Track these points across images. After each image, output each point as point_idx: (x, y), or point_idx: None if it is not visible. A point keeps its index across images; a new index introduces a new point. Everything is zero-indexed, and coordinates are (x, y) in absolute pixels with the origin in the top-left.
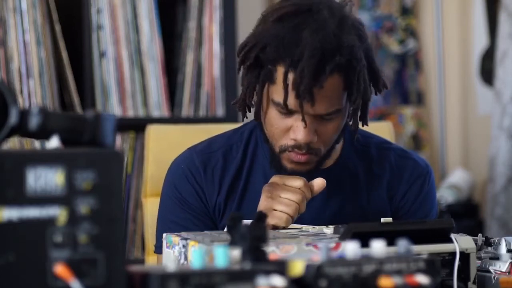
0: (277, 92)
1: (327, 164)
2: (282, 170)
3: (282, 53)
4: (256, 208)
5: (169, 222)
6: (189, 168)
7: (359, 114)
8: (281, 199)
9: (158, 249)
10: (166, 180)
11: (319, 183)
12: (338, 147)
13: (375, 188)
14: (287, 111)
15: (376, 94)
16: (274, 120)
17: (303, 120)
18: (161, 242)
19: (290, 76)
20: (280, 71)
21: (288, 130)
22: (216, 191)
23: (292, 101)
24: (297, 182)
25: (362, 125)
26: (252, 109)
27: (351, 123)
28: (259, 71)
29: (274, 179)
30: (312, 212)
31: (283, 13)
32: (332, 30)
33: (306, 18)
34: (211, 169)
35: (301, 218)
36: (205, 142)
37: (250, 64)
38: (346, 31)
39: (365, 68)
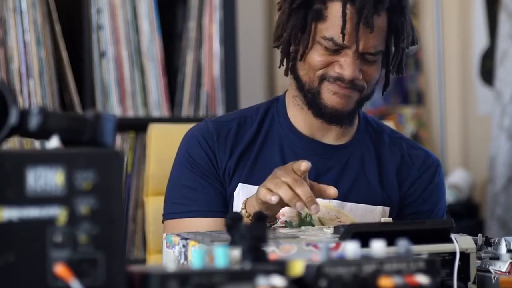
0: (328, 29)
1: (339, 141)
2: (320, 110)
3: None
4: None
5: (180, 186)
6: (202, 134)
7: (399, 59)
8: (274, 178)
9: (168, 216)
10: (180, 146)
11: (331, 192)
12: (354, 126)
13: (385, 169)
14: (336, 48)
15: (408, 48)
16: (318, 56)
17: (357, 51)
18: (170, 208)
19: (349, 7)
20: (333, 6)
21: (332, 63)
22: (228, 156)
23: (348, 33)
24: (301, 166)
25: (398, 75)
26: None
27: (385, 76)
28: (305, 11)
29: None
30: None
31: None
32: None
33: None
34: (224, 135)
35: (314, 194)
36: (221, 115)
37: (298, 4)
38: None
39: (409, 11)
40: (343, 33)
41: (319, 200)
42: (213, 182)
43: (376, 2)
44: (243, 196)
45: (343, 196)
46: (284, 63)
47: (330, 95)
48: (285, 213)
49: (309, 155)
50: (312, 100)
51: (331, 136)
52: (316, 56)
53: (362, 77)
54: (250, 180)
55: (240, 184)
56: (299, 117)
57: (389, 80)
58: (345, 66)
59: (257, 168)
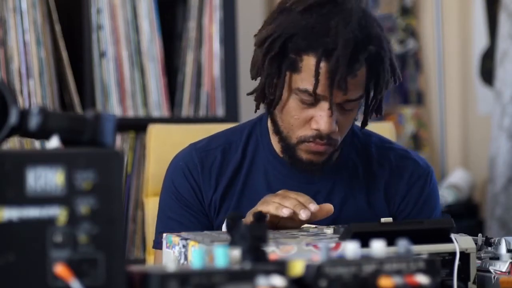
0: (303, 80)
1: (323, 171)
2: (296, 162)
3: (314, 43)
4: (255, 205)
5: (166, 218)
6: (187, 165)
7: (376, 104)
8: (273, 202)
9: (156, 245)
10: (166, 175)
11: (328, 208)
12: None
13: (373, 188)
14: (311, 100)
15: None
16: (294, 111)
17: (330, 108)
18: (159, 238)
19: (323, 65)
20: (308, 60)
21: (309, 121)
22: (213, 189)
23: (322, 89)
24: (299, 196)
25: (377, 115)
26: (259, 107)
27: (363, 115)
28: (281, 61)
29: (280, 192)
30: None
31: (310, 4)
32: (359, 21)
33: (333, 8)
34: (208, 166)
35: None
36: (206, 139)
37: (274, 54)
38: (370, 22)
39: (389, 58)
40: (314, 92)
41: (307, 226)
42: (198, 215)
43: (351, 62)
44: None
45: (332, 221)
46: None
47: (306, 154)
48: None
49: (294, 182)
50: (286, 150)
51: (299, 173)
52: (294, 106)
53: (338, 128)
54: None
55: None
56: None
57: (367, 120)
58: (321, 121)
59: (244, 199)
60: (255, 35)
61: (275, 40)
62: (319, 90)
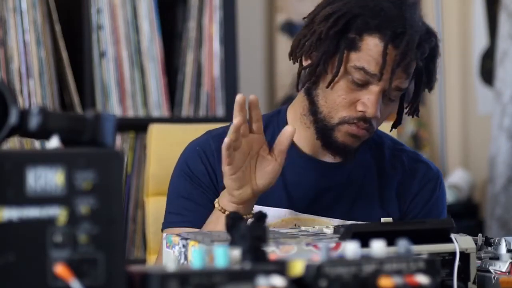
0: (360, 59)
1: (348, 160)
2: (331, 144)
3: (383, 24)
4: (268, 195)
5: (177, 197)
6: (203, 150)
7: (415, 103)
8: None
9: (168, 225)
10: (180, 160)
11: (288, 130)
12: None
13: (386, 187)
14: (362, 81)
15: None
16: (343, 90)
17: (388, 90)
18: (170, 218)
19: (390, 47)
20: (370, 40)
21: (354, 103)
22: None
23: (384, 71)
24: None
25: (413, 116)
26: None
27: (397, 115)
28: (339, 39)
29: None
30: (325, 207)
31: None
32: (419, 14)
33: None
34: None
35: (314, 211)
36: (222, 127)
37: (337, 30)
38: (426, 21)
39: (437, 59)
40: (381, 72)
41: (321, 218)
42: (210, 195)
43: (417, 49)
44: None
45: (344, 215)
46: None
47: (343, 136)
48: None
49: (310, 174)
50: (323, 131)
51: (332, 155)
52: (344, 86)
53: None
54: None
55: None
56: (302, 134)
57: (401, 119)
58: (369, 104)
59: None
60: (309, 14)
61: (340, 18)
62: (380, 71)
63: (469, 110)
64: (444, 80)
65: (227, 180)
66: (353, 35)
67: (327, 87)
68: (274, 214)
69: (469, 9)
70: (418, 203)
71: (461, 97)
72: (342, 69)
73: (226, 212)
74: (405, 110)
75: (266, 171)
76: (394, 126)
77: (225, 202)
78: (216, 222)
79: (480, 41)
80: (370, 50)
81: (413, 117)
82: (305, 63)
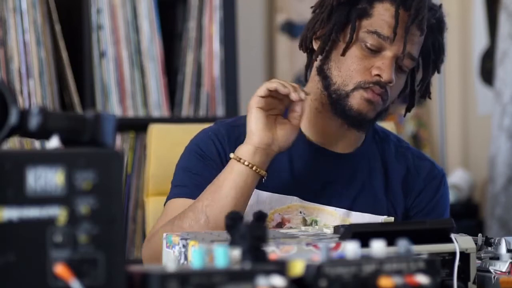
0: (373, 24)
1: (346, 150)
2: (346, 111)
3: None
4: (276, 181)
5: (184, 171)
6: (215, 134)
7: (427, 82)
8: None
9: (172, 196)
10: (191, 143)
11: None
12: (361, 135)
13: (391, 181)
14: (375, 48)
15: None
16: (356, 57)
17: (403, 51)
18: (174, 190)
19: (401, 10)
20: (380, 7)
21: (369, 69)
22: None
23: (398, 32)
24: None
25: (425, 98)
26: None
27: (409, 98)
28: (349, 9)
29: None
30: (331, 196)
31: None
32: None
33: None
34: (234, 139)
35: (320, 200)
36: (233, 118)
37: (344, 2)
38: None
39: (444, 36)
40: (395, 32)
41: (326, 208)
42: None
43: (426, 12)
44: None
45: (349, 205)
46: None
47: (359, 101)
48: (290, 219)
49: (317, 163)
50: (337, 100)
51: (340, 145)
52: (357, 54)
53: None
54: (258, 185)
55: None
56: (312, 122)
57: (414, 102)
58: (384, 68)
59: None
60: None
61: None
62: (394, 31)
63: (469, 110)
64: (444, 80)
65: (253, 111)
66: (363, 5)
67: (342, 54)
68: (281, 200)
69: (469, 9)
70: (423, 200)
71: (461, 97)
72: (354, 36)
73: (241, 160)
74: (416, 91)
75: (284, 129)
76: (408, 109)
77: (242, 150)
78: (228, 171)
79: (480, 41)
80: (382, 15)
81: (425, 99)
82: (315, 45)
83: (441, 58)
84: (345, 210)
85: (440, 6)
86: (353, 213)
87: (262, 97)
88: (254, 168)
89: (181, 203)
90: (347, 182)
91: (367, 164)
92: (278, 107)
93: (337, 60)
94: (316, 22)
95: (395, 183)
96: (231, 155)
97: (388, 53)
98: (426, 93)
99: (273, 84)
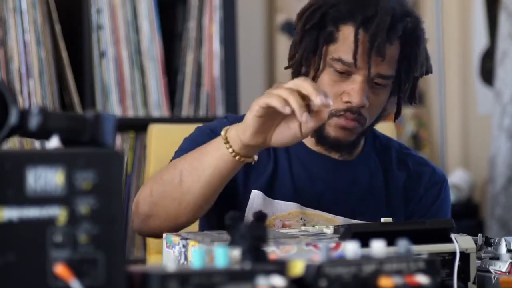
0: (337, 50)
1: (349, 156)
2: (324, 139)
3: (354, 10)
4: (276, 188)
5: (193, 142)
6: (220, 125)
7: (409, 88)
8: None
9: (173, 158)
10: (203, 126)
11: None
12: (361, 142)
13: (392, 188)
14: (344, 72)
15: (421, 76)
16: (327, 84)
17: (368, 76)
18: (176, 155)
19: (361, 32)
20: (345, 30)
21: (340, 95)
22: None
23: (359, 57)
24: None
25: (410, 103)
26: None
27: (397, 105)
28: (318, 33)
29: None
30: (332, 203)
31: None
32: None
33: None
34: None
35: (320, 207)
36: (241, 116)
37: (312, 25)
38: (408, 5)
39: (425, 41)
40: (354, 58)
41: (327, 215)
42: None
43: (389, 31)
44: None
45: (350, 213)
46: None
47: (334, 130)
48: (291, 225)
49: (317, 169)
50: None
51: (327, 151)
52: (327, 79)
53: (368, 106)
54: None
55: (254, 191)
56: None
57: (401, 109)
58: (353, 93)
59: (271, 178)
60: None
61: (316, 11)
62: (353, 57)
63: (469, 110)
64: (444, 80)
65: (250, 116)
66: (330, 28)
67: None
68: (282, 207)
69: (469, 9)
70: (424, 206)
71: (461, 97)
72: (322, 63)
73: (228, 145)
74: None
75: (287, 134)
76: (395, 117)
77: (233, 134)
78: (215, 148)
79: (480, 41)
80: (346, 40)
81: (411, 104)
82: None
83: (422, 66)
84: (345, 218)
85: (416, 15)
86: (353, 221)
87: (262, 108)
88: (238, 158)
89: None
90: (347, 189)
91: (367, 171)
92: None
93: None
94: (291, 46)
95: (396, 191)
96: (222, 132)
97: (358, 77)
98: (411, 98)
99: (271, 100)
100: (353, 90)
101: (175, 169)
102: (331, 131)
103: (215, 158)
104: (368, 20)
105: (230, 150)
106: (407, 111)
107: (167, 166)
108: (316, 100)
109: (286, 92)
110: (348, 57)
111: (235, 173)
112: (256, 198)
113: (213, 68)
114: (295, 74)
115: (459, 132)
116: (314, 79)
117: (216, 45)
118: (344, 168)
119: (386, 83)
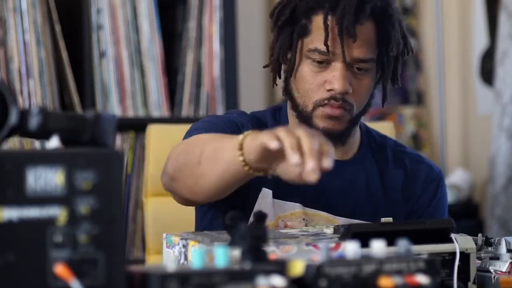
0: (313, 41)
1: (344, 157)
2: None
3: (321, 0)
4: (279, 188)
5: (211, 124)
6: (242, 125)
7: (391, 70)
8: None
9: (188, 136)
10: (220, 115)
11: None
12: (356, 141)
13: (390, 187)
14: (323, 61)
15: (403, 57)
16: (308, 76)
17: (343, 61)
18: (192, 132)
19: (330, 18)
20: (317, 19)
21: (323, 84)
22: None
23: (332, 43)
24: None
25: (394, 86)
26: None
27: (382, 90)
28: (292, 28)
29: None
30: (332, 204)
31: None
32: None
33: None
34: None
35: (320, 207)
36: (261, 113)
37: (284, 21)
38: None
39: (399, 20)
40: (326, 44)
41: (327, 215)
42: None
43: (357, 11)
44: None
45: (350, 213)
46: (278, 82)
47: (322, 121)
48: (293, 225)
49: None
50: (304, 121)
51: (337, 151)
52: (307, 71)
53: (352, 92)
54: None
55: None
56: None
57: (387, 93)
58: (334, 80)
59: (277, 178)
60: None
61: (285, 6)
62: (330, 45)
63: (469, 110)
64: (444, 80)
65: (256, 143)
66: (303, 21)
67: (291, 76)
68: (284, 207)
69: (469, 9)
70: (422, 205)
71: (461, 97)
72: (299, 57)
73: (240, 152)
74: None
75: (290, 172)
76: (382, 101)
77: (247, 145)
78: (232, 148)
79: (480, 41)
80: (318, 29)
81: (394, 86)
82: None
83: (398, 45)
84: (345, 218)
85: None
86: (353, 221)
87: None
88: (247, 168)
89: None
90: (345, 190)
91: (364, 172)
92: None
93: (294, 81)
94: (270, 46)
95: (394, 190)
96: (241, 136)
97: (337, 64)
98: (394, 80)
99: (264, 141)
100: (333, 78)
101: (198, 147)
102: (319, 122)
103: (228, 159)
104: (336, 4)
105: (241, 158)
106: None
107: (196, 137)
108: (291, 158)
109: (284, 133)
110: (322, 46)
111: (247, 180)
112: (266, 196)
113: (213, 68)
114: (275, 73)
115: (459, 132)
116: (294, 73)
117: (216, 45)
118: (343, 168)
119: (367, 67)
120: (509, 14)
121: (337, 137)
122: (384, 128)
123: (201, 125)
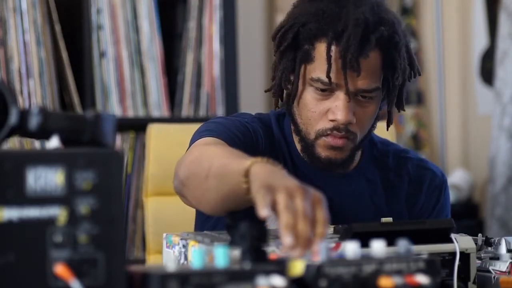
0: (315, 69)
1: (346, 170)
2: (315, 160)
3: (325, 27)
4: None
5: (221, 125)
6: (254, 130)
7: (396, 96)
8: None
9: (197, 138)
10: (232, 117)
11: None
12: (358, 154)
13: (393, 198)
14: (326, 89)
15: (409, 80)
16: (311, 104)
17: (347, 93)
18: (203, 133)
19: (334, 48)
20: (320, 47)
21: (326, 113)
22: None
23: (335, 74)
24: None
25: (399, 111)
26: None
27: (387, 113)
28: (295, 53)
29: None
30: (336, 216)
31: None
32: (371, 6)
33: None
34: (251, 142)
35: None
36: (266, 117)
37: (286, 46)
38: (384, 9)
39: (406, 45)
40: (328, 76)
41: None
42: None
43: (362, 42)
44: None
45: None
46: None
47: (324, 150)
48: None
49: (320, 183)
50: (306, 148)
51: (321, 171)
52: (310, 99)
53: (356, 121)
54: None
55: None
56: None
57: (392, 118)
58: (337, 111)
59: None
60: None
61: (288, 31)
62: (332, 76)
63: (469, 110)
64: (444, 80)
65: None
66: (306, 46)
67: (293, 103)
68: None
69: (469, 9)
70: (426, 211)
71: (461, 97)
72: (302, 84)
73: (245, 179)
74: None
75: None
76: (387, 125)
77: (254, 175)
78: (237, 164)
79: (480, 41)
80: (321, 58)
81: (399, 111)
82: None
83: (404, 72)
84: None
85: (392, 20)
86: None
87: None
88: (250, 197)
89: (210, 140)
90: (348, 202)
91: (366, 183)
92: None
93: (296, 107)
94: (271, 69)
95: (398, 198)
96: (249, 161)
97: (340, 94)
98: (399, 105)
99: (257, 201)
100: (337, 108)
101: (207, 161)
102: (321, 151)
103: (233, 183)
104: (339, 34)
105: (245, 186)
106: (407, 111)
107: (207, 148)
108: (284, 239)
109: (284, 203)
110: (325, 77)
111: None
112: None
113: (213, 68)
114: (277, 97)
115: (459, 132)
116: (297, 100)
117: (216, 45)
118: (346, 180)
119: (372, 95)
120: (509, 14)
121: (339, 165)
122: (384, 128)
123: (213, 126)
